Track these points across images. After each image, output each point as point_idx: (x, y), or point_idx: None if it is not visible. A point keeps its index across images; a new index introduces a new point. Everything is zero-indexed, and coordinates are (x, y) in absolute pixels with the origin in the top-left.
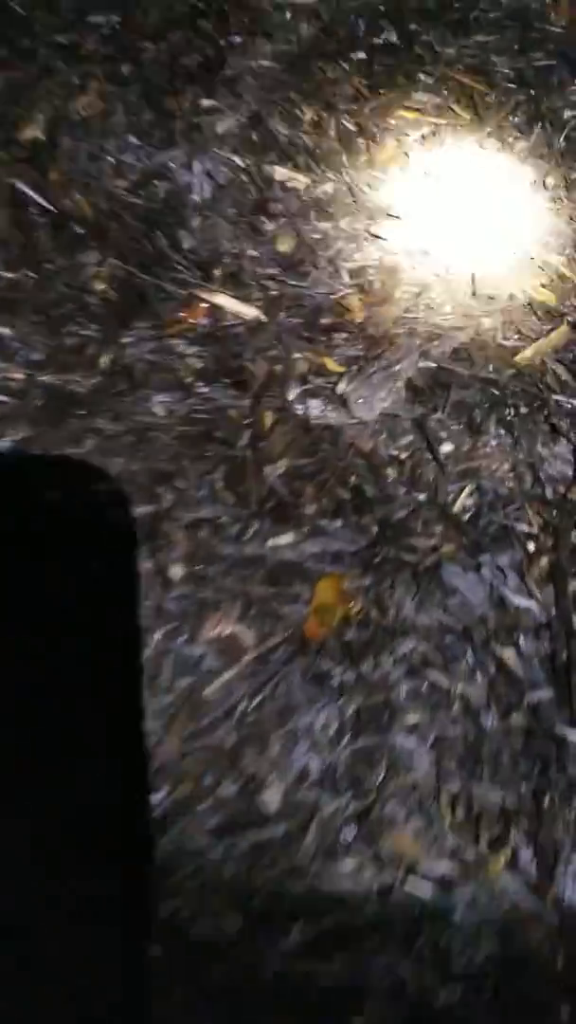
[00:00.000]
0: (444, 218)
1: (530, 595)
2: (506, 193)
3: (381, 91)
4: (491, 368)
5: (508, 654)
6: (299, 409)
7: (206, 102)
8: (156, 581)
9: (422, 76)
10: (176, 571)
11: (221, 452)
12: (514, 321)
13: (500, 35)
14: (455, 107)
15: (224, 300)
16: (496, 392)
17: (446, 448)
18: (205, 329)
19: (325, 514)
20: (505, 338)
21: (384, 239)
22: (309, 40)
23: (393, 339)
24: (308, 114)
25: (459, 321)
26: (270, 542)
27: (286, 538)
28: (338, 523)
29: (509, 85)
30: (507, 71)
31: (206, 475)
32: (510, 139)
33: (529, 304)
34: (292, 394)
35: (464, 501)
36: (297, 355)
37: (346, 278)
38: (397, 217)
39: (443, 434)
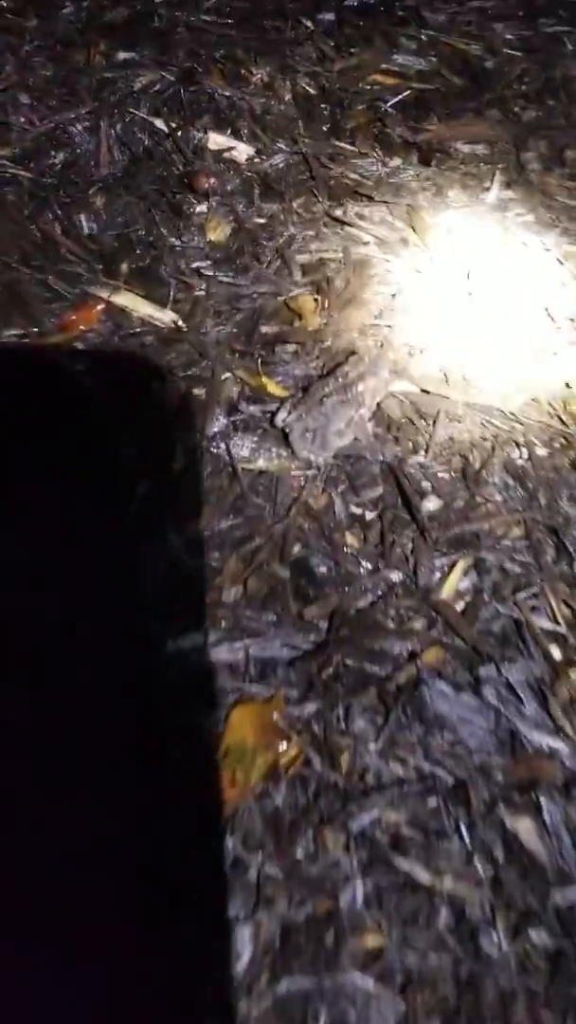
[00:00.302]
0: (429, 199)
1: (557, 729)
2: (507, 170)
3: (352, 51)
4: (495, 392)
5: (524, 827)
6: (220, 448)
7: (123, 55)
8: None
9: (404, 40)
10: None
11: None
12: (529, 330)
13: (501, 1)
14: (445, 72)
15: (129, 300)
16: (502, 425)
17: (430, 505)
18: (100, 339)
19: (251, 601)
20: (516, 350)
21: (350, 225)
22: None
23: (358, 352)
24: (257, 74)
25: (450, 331)
26: (169, 644)
27: (190, 639)
28: (270, 616)
29: (513, 52)
30: (510, 37)
31: None
32: (516, 108)
33: (546, 310)
34: (214, 427)
35: (457, 583)
36: (225, 375)
37: (297, 275)
38: (367, 198)
39: (426, 484)
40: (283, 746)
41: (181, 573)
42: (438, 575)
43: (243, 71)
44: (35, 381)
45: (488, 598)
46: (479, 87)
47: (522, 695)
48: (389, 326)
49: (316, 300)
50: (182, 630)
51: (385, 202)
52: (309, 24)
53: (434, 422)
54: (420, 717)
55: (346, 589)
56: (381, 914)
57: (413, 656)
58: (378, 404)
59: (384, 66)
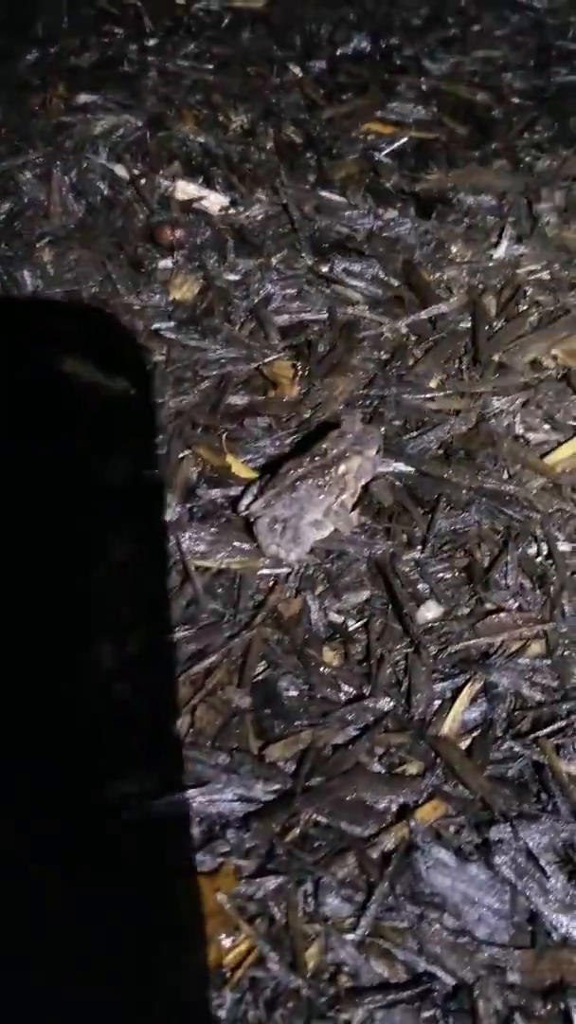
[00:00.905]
0: (428, 254)
1: None
2: (519, 223)
3: (344, 97)
4: (507, 474)
5: None
6: (172, 540)
7: (84, 97)
8: None
9: (402, 88)
10: None
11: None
12: (545, 414)
13: (511, 51)
14: (448, 121)
15: (77, 367)
16: (516, 514)
17: (428, 613)
18: (37, 407)
19: (199, 737)
20: (529, 429)
21: (337, 282)
22: (250, 44)
23: (342, 426)
24: (236, 120)
25: (453, 401)
26: (93, 794)
27: (117, 787)
28: (221, 756)
29: (522, 101)
30: (521, 86)
31: None
32: (527, 158)
33: (564, 377)
34: (166, 514)
35: (461, 715)
36: (184, 452)
37: (275, 337)
38: (357, 253)
39: (423, 587)
40: (228, 939)
41: (112, 696)
42: (437, 703)
43: (220, 117)
44: None
45: (501, 734)
46: (485, 136)
47: (545, 866)
48: (382, 397)
49: (295, 366)
50: (111, 773)
51: (377, 257)
52: (298, 71)
53: (433, 510)
54: (412, 895)
55: (321, 721)
56: None
57: (405, 812)
58: (364, 488)
59: (379, 114)
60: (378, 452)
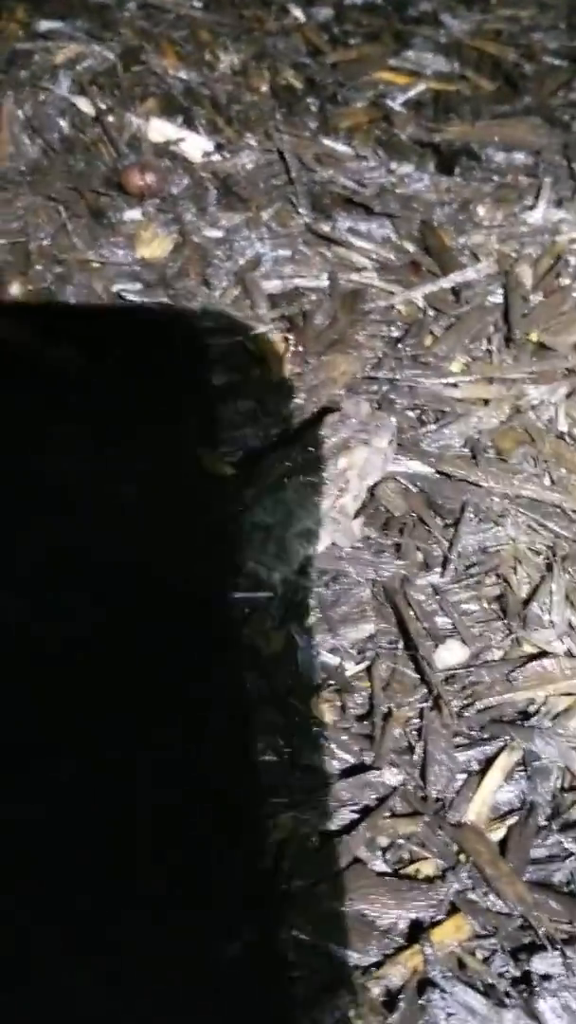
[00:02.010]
0: (450, 214)
1: None
2: (557, 184)
3: (352, 42)
4: (549, 480)
5: None
6: None
7: (47, 24)
8: None
9: (419, 40)
10: None
11: None
12: None
13: (538, 11)
14: (471, 74)
15: (19, 332)
16: (563, 530)
17: (450, 656)
18: None
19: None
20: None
21: (339, 244)
22: None
23: (343, 410)
24: (226, 60)
25: (481, 388)
26: None
27: None
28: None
29: (557, 61)
30: (553, 46)
31: None
32: (565, 117)
33: None
34: None
35: (493, 795)
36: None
37: (263, 306)
38: (365, 209)
39: (444, 621)
40: None
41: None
42: (461, 779)
43: (207, 55)
44: None
45: (545, 823)
46: (515, 91)
47: None
48: (392, 381)
49: (287, 340)
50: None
51: (390, 215)
52: (299, 15)
53: (456, 523)
54: None
55: (306, 799)
56: None
57: (418, 931)
58: (370, 490)
59: (392, 62)
60: (390, 443)
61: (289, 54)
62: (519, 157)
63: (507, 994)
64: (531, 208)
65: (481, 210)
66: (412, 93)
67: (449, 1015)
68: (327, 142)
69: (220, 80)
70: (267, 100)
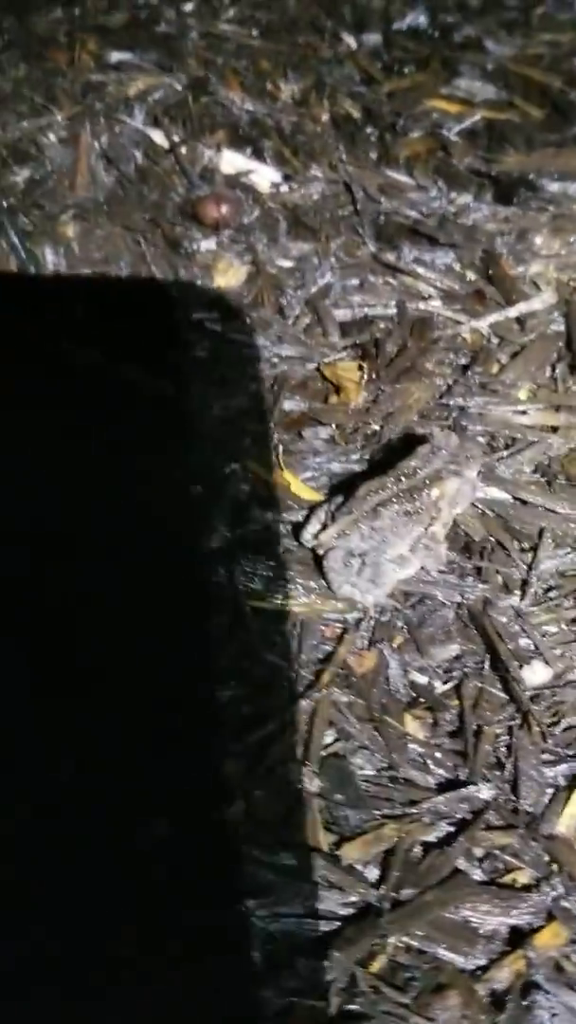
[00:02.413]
0: (510, 244)
1: None
2: None
3: (405, 71)
4: None
5: None
6: (220, 574)
7: (117, 55)
8: None
9: (466, 67)
10: None
11: None
12: None
13: None
14: (520, 102)
15: (106, 359)
16: None
17: (535, 676)
18: (51, 407)
19: (258, 829)
20: None
21: (406, 273)
22: (296, 11)
23: (434, 441)
24: (286, 90)
25: (549, 416)
26: None
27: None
28: (283, 857)
29: None
30: None
31: None
32: None
33: None
34: (211, 541)
35: None
36: (231, 466)
37: (335, 335)
38: (429, 240)
39: (526, 643)
40: None
41: (143, 770)
42: (551, 793)
43: (269, 85)
44: None
45: None
46: (565, 119)
47: None
48: (463, 408)
49: (361, 368)
50: (137, 871)
51: (453, 245)
52: (352, 42)
53: (535, 548)
54: None
55: (406, 813)
56: None
57: (519, 937)
58: (455, 519)
59: (444, 91)
60: (479, 474)
61: (345, 83)
62: (573, 186)
63: None
64: None
65: (539, 240)
66: (467, 123)
67: (553, 1015)
68: (389, 172)
69: (283, 110)
70: (328, 130)
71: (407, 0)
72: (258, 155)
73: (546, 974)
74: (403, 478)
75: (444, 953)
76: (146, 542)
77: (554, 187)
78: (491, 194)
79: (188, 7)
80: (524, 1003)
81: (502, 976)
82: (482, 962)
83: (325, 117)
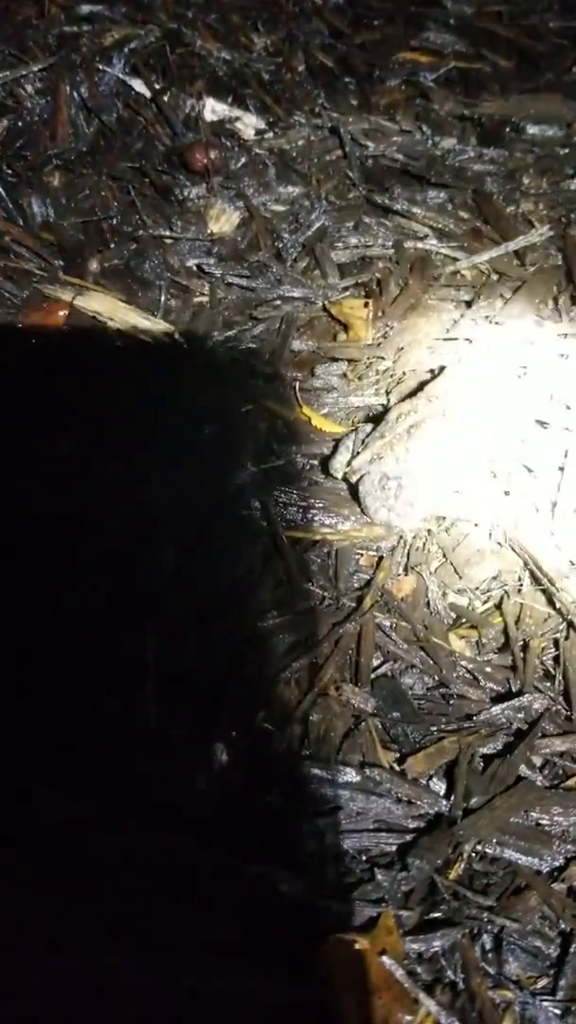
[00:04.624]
0: (499, 184)
1: None
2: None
3: (375, 24)
4: None
5: None
6: (254, 508)
7: (88, 7)
8: None
9: (432, 22)
10: None
11: None
12: None
13: None
14: (489, 54)
15: (103, 305)
16: None
17: (575, 588)
18: (59, 353)
19: (319, 749)
20: None
21: (400, 214)
22: None
23: (438, 371)
24: (259, 42)
25: (559, 344)
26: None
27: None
28: (348, 774)
29: (564, 41)
30: (556, 26)
31: None
32: None
33: None
34: (236, 477)
35: None
36: (246, 406)
37: (334, 275)
38: (421, 180)
39: (564, 558)
40: (406, 1017)
41: (197, 700)
42: None
43: (242, 37)
44: None
45: None
46: (536, 69)
47: None
48: (470, 340)
49: (367, 305)
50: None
51: (444, 185)
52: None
53: (561, 469)
54: None
55: (463, 726)
56: None
57: None
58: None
59: (414, 43)
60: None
61: (316, 36)
62: (552, 130)
63: None
64: (572, 177)
65: (527, 179)
66: (441, 71)
67: None
68: (373, 118)
69: (260, 60)
70: (307, 79)
71: None
72: (240, 103)
73: None
74: (434, 399)
75: (519, 857)
76: (169, 484)
77: (534, 130)
78: (475, 137)
79: None
80: None
81: None
82: (558, 863)
83: (301, 68)
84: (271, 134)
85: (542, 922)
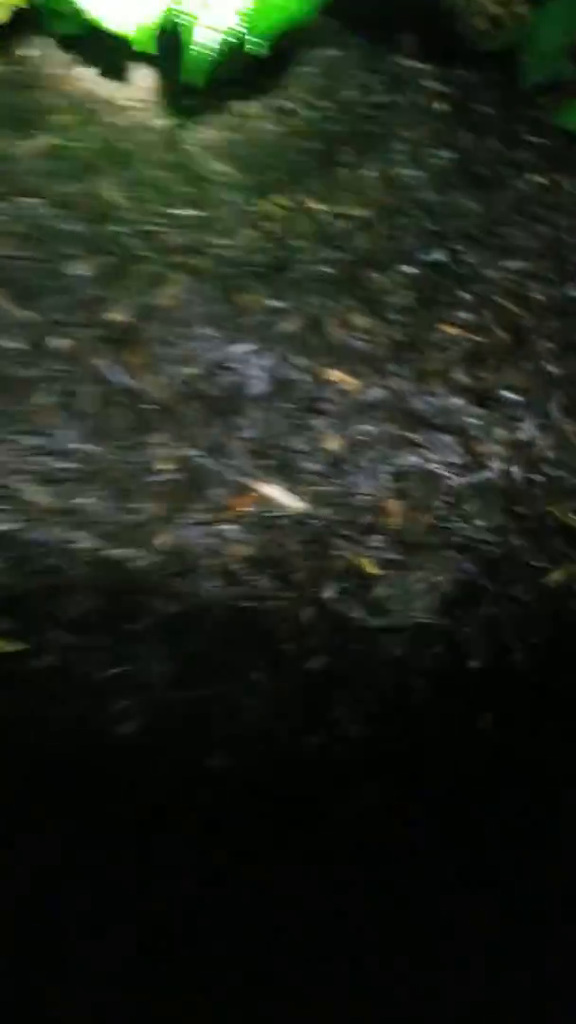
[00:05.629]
0: (482, 432)
1: None
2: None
3: (428, 302)
4: None
5: None
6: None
7: (271, 303)
8: None
9: (462, 294)
10: None
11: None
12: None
13: (535, 263)
14: (494, 328)
15: (273, 491)
16: None
17: None
18: (253, 518)
19: None
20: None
21: (424, 447)
22: (362, 250)
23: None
24: (361, 321)
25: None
26: None
27: None
28: None
29: (543, 311)
30: (541, 297)
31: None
32: (547, 366)
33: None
34: (329, 592)
35: None
36: (337, 551)
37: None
38: (439, 429)
39: None
40: None
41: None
42: None
43: (351, 317)
44: None
45: None
46: (520, 343)
47: None
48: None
49: (399, 504)
50: None
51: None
52: (399, 276)
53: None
54: None
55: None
56: None
57: None
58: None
59: (448, 319)
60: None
61: (393, 313)
62: None
63: None
64: None
65: None
66: (461, 347)
67: None
68: (418, 384)
69: (360, 339)
70: (385, 351)
71: (431, 234)
72: (348, 371)
73: None
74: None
75: None
76: None
77: None
78: None
79: (299, 243)
80: None
81: None
82: None
83: (385, 342)
84: (362, 391)
85: None
